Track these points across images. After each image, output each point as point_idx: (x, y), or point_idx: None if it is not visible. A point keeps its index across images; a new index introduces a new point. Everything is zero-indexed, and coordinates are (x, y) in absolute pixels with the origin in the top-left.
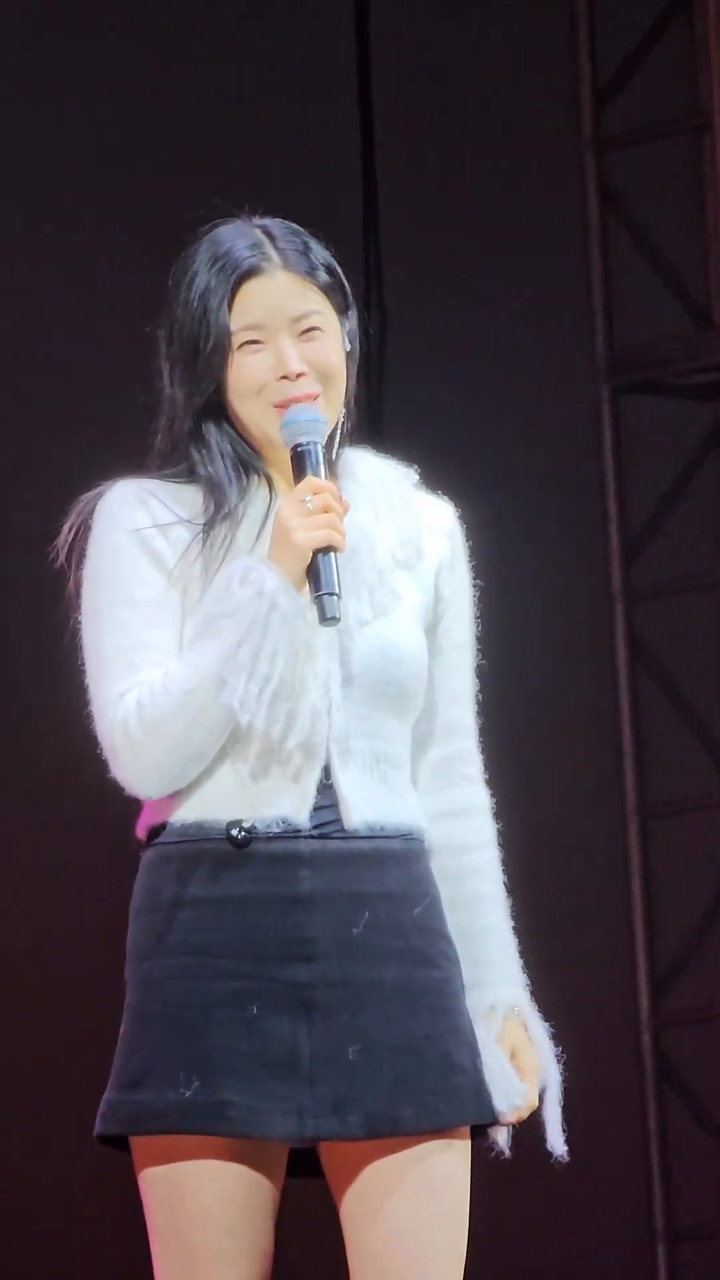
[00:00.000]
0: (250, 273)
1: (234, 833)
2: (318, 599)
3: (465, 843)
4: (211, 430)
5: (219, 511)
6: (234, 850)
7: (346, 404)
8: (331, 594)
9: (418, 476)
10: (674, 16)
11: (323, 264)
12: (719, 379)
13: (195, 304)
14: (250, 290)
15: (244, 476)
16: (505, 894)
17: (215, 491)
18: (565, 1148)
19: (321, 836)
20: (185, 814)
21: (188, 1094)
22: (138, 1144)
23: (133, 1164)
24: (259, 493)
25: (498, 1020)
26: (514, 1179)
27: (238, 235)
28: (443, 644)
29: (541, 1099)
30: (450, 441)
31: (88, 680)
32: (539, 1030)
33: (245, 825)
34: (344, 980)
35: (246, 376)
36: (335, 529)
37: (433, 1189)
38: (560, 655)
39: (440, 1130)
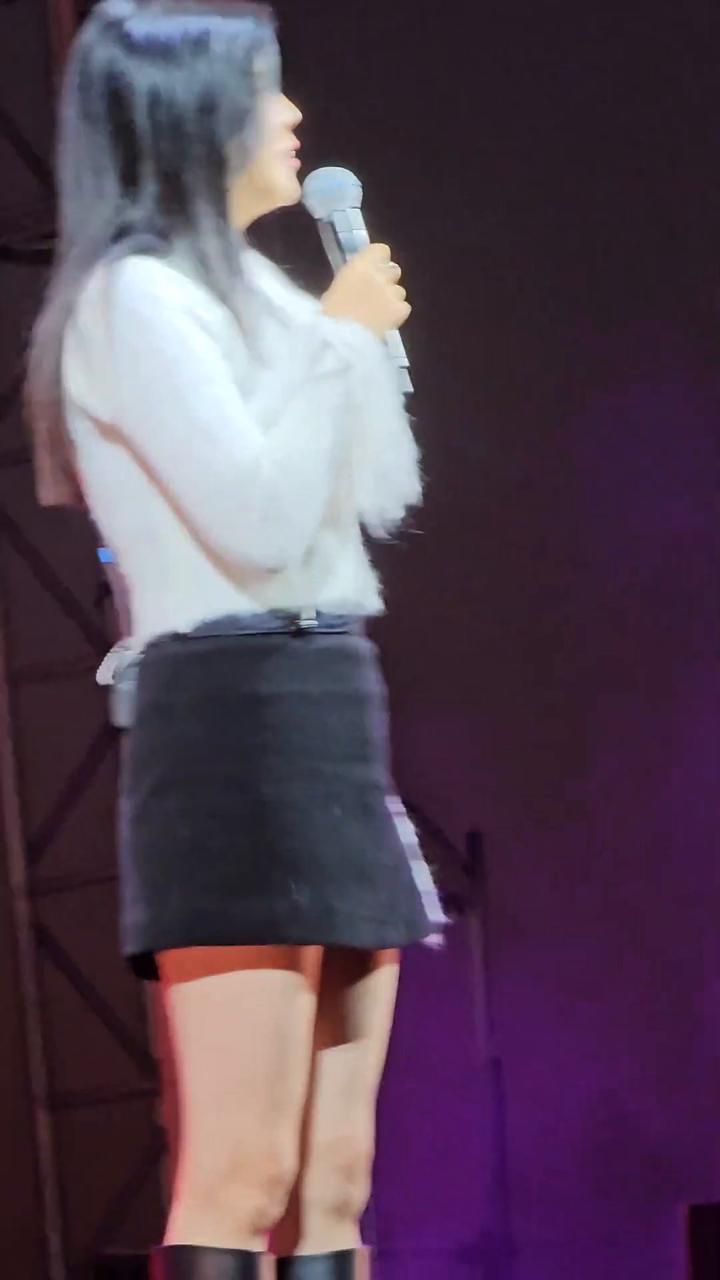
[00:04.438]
0: (260, 25)
1: (303, 621)
2: (401, 370)
3: None
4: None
5: (238, 278)
6: (302, 645)
7: None
8: (407, 366)
9: None
10: None
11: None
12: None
13: (236, 48)
14: (266, 43)
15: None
16: None
17: (231, 260)
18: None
19: (357, 633)
20: (245, 603)
21: (300, 900)
22: (213, 954)
23: (168, 980)
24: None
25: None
26: None
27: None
28: None
29: None
30: None
31: (183, 462)
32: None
33: (311, 612)
34: (379, 783)
35: (273, 121)
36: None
37: (389, 996)
38: None
39: (431, 934)
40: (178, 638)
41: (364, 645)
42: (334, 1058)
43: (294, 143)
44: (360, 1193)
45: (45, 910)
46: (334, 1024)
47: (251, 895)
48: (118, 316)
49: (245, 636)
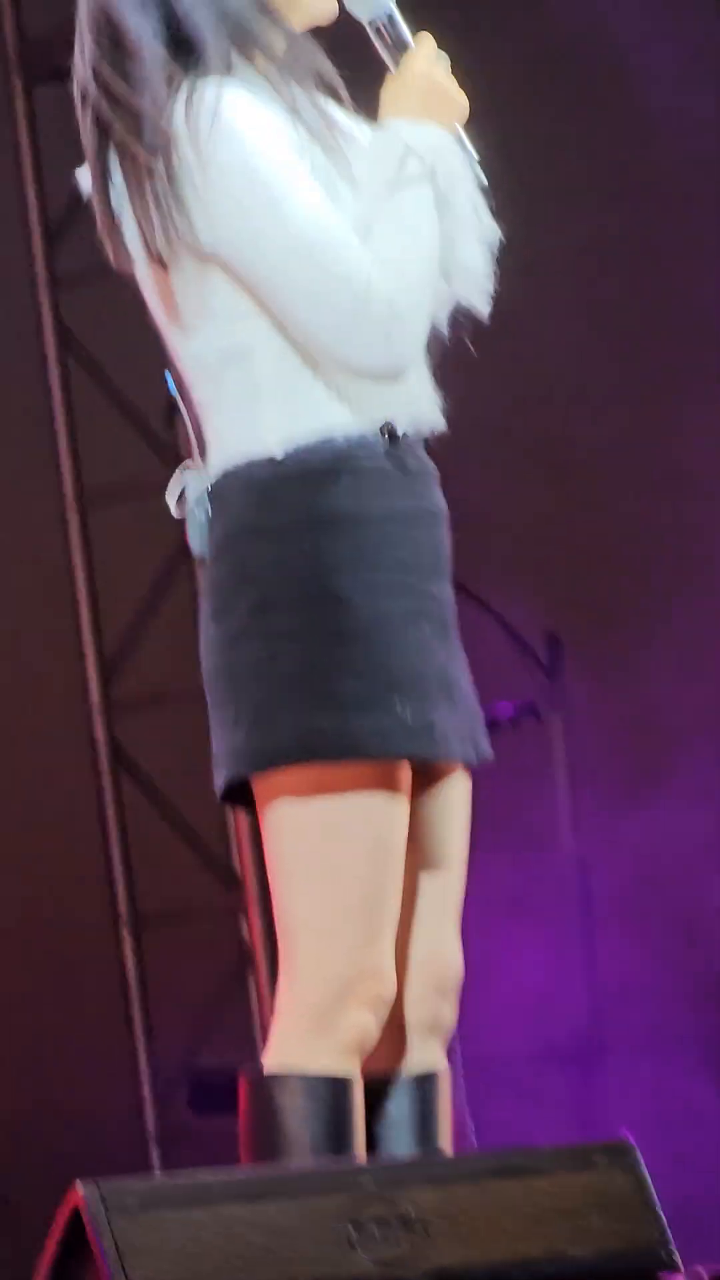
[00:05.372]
0: None
1: (395, 437)
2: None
3: None
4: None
5: (305, 94)
6: (392, 463)
7: None
8: (478, 159)
9: None
10: None
11: None
12: None
13: None
14: None
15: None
16: None
17: (298, 74)
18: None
19: (428, 450)
20: (338, 422)
21: (407, 715)
22: (316, 772)
23: (270, 799)
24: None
25: None
26: None
27: None
28: None
29: None
30: None
31: (297, 275)
32: None
33: (401, 429)
34: (452, 603)
35: None
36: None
37: (467, 813)
38: None
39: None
40: (269, 459)
41: (431, 463)
42: (422, 876)
43: None
44: (450, 1011)
45: (123, 729)
46: (419, 842)
47: (365, 711)
48: (205, 140)
49: (339, 456)
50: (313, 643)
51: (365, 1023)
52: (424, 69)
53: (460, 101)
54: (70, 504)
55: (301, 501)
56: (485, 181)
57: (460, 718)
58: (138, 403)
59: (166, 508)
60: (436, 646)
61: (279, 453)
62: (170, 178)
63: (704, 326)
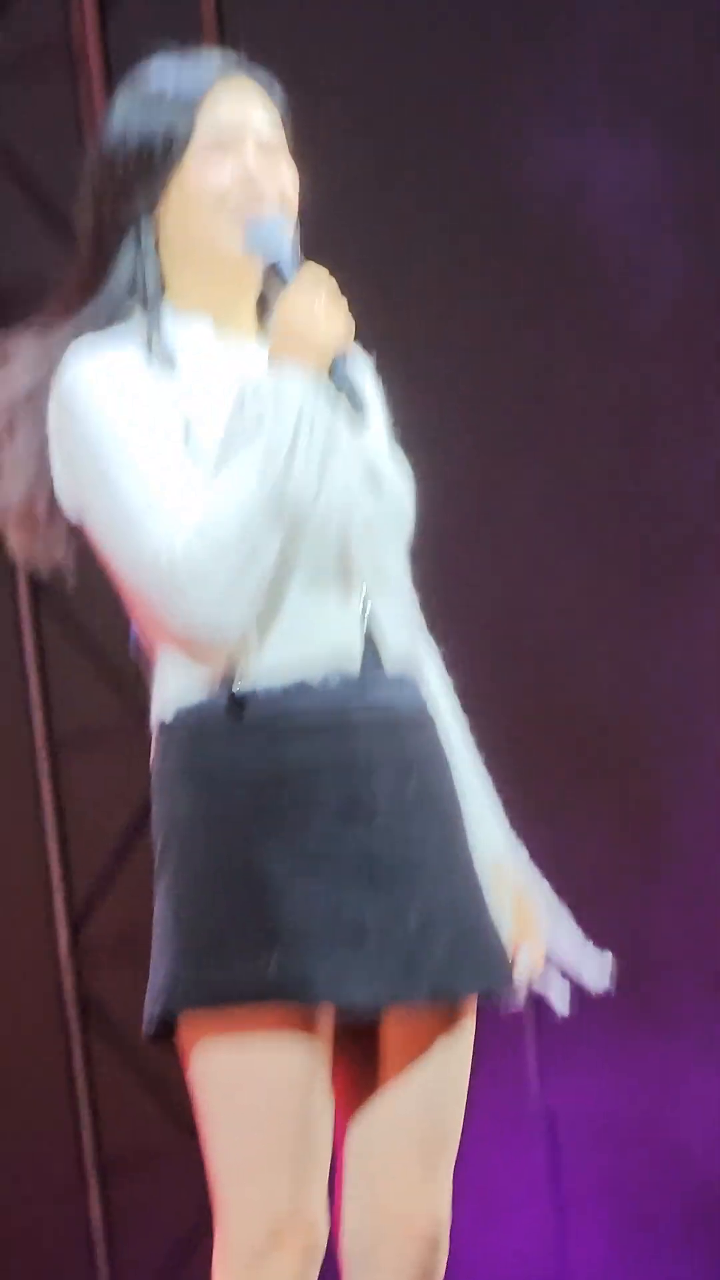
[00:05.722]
0: (224, 76)
1: (237, 693)
2: (345, 396)
3: (431, 693)
4: (147, 245)
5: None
6: (281, 718)
7: None
8: (354, 391)
9: None
10: None
11: (278, 87)
12: None
13: (161, 98)
14: (221, 93)
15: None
16: (474, 746)
17: (154, 313)
18: (606, 979)
19: (368, 698)
20: (216, 676)
21: (271, 963)
22: (203, 1020)
23: (183, 1047)
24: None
25: (496, 875)
26: None
27: (199, 51)
28: None
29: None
30: None
31: (116, 547)
32: (532, 876)
33: (255, 687)
34: (398, 846)
35: (211, 182)
36: (346, 320)
37: (459, 1055)
38: None
39: (486, 995)
40: (161, 721)
41: (367, 707)
42: (409, 1120)
43: (248, 205)
44: (440, 1261)
45: (91, 980)
46: (406, 1084)
47: (223, 960)
48: (57, 414)
49: (219, 709)
50: (183, 893)
51: (297, 1269)
52: (294, 302)
53: (332, 331)
54: (41, 750)
55: (183, 756)
56: (365, 407)
57: (393, 960)
58: (110, 650)
59: (134, 757)
60: (344, 893)
61: (172, 711)
62: (48, 441)
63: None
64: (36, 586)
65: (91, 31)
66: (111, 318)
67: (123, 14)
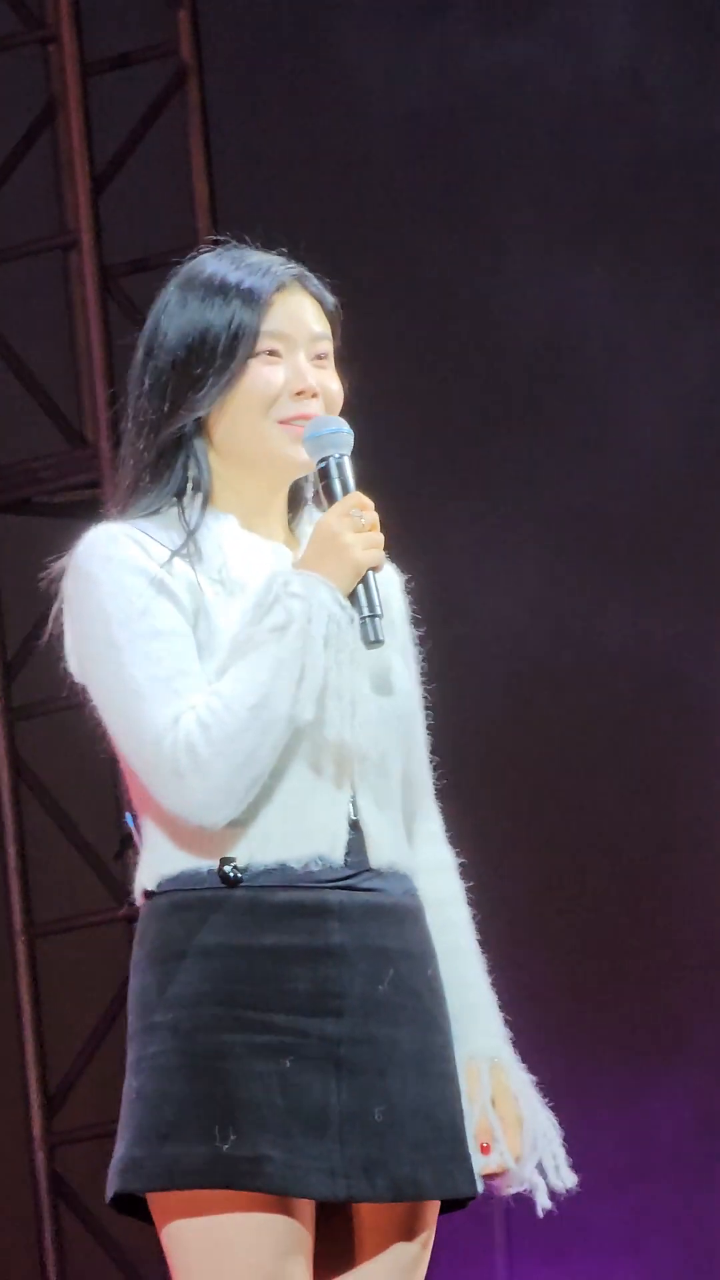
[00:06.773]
0: (286, 283)
1: (226, 869)
2: (366, 620)
3: (441, 897)
4: (197, 448)
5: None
6: (256, 899)
7: None
8: (377, 615)
9: None
10: (39, 132)
11: (330, 295)
12: (91, 497)
13: (224, 302)
14: (281, 300)
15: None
16: (479, 948)
17: (193, 511)
18: (568, 1185)
19: (349, 887)
20: (200, 857)
21: (224, 1148)
22: (167, 1200)
23: (155, 1223)
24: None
25: (478, 1071)
26: None
27: (258, 252)
28: None
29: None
30: None
31: (116, 719)
32: (521, 1080)
33: (239, 865)
34: (368, 1038)
35: (262, 386)
36: (381, 549)
37: (419, 1256)
38: None
39: (452, 1197)
40: (146, 895)
41: (347, 896)
42: None
43: (299, 411)
44: None
45: (64, 1162)
46: (373, 1269)
47: (177, 1142)
48: (71, 580)
49: (196, 890)
50: (145, 1074)
51: None
52: (330, 523)
53: (359, 559)
54: (20, 936)
55: (157, 936)
56: (380, 637)
57: (355, 1153)
58: (90, 836)
59: (113, 942)
60: (308, 1081)
61: (152, 889)
62: (58, 616)
63: None
64: (18, 770)
65: (84, 210)
66: (152, 511)
67: (116, 195)
